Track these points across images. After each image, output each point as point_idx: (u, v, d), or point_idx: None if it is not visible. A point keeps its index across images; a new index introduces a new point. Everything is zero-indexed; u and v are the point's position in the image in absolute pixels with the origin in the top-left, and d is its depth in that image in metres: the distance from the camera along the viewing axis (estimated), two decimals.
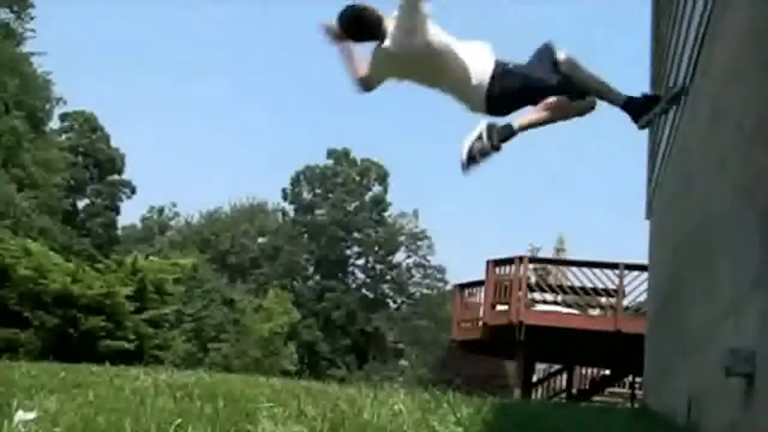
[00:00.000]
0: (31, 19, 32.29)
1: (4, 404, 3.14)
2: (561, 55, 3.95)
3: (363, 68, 4.12)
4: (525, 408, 4.67)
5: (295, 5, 60.80)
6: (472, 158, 4.05)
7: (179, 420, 2.94)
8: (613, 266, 14.76)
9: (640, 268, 12.73)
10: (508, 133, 4.09)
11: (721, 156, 3.48)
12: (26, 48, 31.69)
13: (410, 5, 3.84)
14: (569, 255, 24.40)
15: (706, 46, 4.25)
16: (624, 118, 3.92)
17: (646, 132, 8.50)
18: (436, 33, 3.93)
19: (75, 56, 59.43)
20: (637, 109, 3.96)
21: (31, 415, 2.98)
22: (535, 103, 4.11)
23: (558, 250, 27.05)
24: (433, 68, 4.03)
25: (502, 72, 3.99)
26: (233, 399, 3.79)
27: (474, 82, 3.97)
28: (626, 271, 14.39)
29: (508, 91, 4.00)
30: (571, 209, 55.40)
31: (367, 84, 4.15)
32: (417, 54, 3.95)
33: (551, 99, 4.10)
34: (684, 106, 5.17)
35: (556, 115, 4.15)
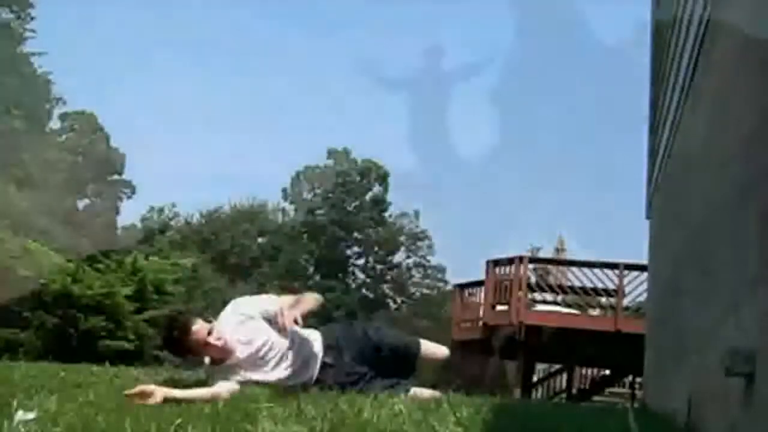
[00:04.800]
0: (32, 19, 32.33)
1: (4, 404, 3.13)
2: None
3: None
4: (525, 408, 4.67)
5: (295, 5, 60.88)
6: None
7: (179, 420, 2.94)
8: (613, 266, 14.77)
9: (640, 268, 12.73)
10: None
11: (721, 156, 3.48)
12: (26, 48, 31.73)
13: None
14: (569, 255, 24.40)
15: (706, 45, 4.25)
16: (623, 118, 3.91)
17: (646, 132, 8.51)
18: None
19: (75, 56, 59.45)
20: None
21: (31, 415, 2.97)
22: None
23: (558, 250, 27.04)
24: None
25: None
26: (233, 399, 3.79)
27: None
28: (626, 271, 14.39)
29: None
30: (571, 209, 55.38)
31: None
32: None
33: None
34: (684, 106, 5.17)
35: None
